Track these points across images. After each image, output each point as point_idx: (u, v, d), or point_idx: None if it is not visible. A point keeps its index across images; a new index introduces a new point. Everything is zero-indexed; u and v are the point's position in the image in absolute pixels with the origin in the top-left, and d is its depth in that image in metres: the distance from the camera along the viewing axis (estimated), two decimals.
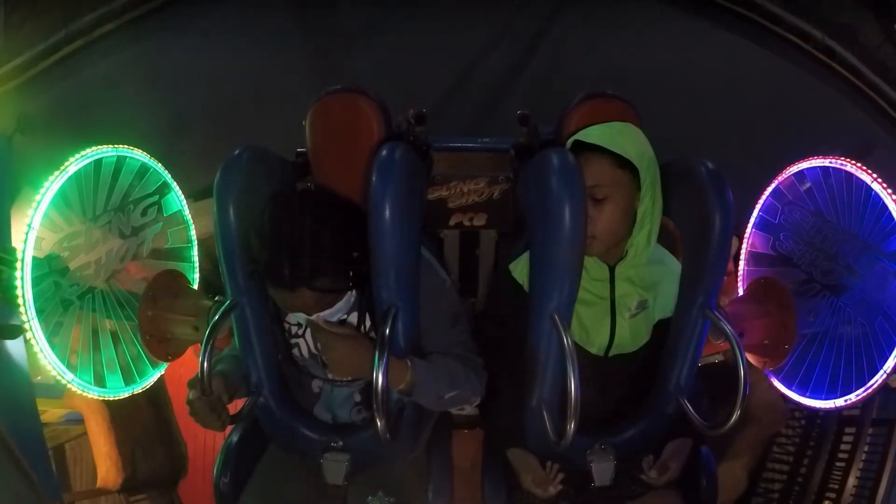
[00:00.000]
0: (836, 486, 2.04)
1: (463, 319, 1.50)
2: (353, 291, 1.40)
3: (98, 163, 1.59)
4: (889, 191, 1.45)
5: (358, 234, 1.34)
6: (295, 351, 1.52)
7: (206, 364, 1.31)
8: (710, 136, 2.66)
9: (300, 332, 1.50)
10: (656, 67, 2.96)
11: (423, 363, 1.37)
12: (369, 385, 1.47)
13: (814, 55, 2.83)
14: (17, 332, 1.38)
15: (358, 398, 1.54)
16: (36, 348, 1.44)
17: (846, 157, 1.55)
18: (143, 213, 1.79)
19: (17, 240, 1.43)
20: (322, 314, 1.36)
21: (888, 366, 1.45)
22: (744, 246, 1.91)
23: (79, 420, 2.42)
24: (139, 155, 1.74)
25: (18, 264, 1.39)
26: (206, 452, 2.66)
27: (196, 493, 2.65)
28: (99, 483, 2.48)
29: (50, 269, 1.48)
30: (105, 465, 2.49)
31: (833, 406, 1.57)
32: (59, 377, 1.49)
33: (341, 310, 1.41)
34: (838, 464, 2.06)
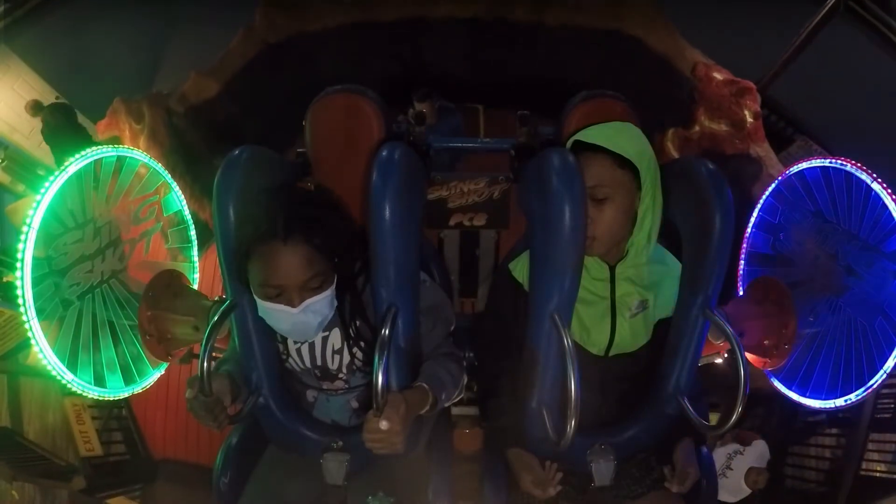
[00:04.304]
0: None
1: (446, 315, 1.50)
2: (335, 301, 1.36)
3: (98, 163, 1.59)
4: (889, 191, 1.45)
5: (349, 242, 1.35)
6: (287, 365, 1.52)
7: (205, 364, 1.31)
8: None
9: (285, 350, 1.49)
10: None
11: (432, 379, 1.36)
12: (367, 390, 1.47)
13: None
14: None
15: (355, 404, 1.54)
16: (36, 348, 1.44)
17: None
18: (143, 213, 1.79)
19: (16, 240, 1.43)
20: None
21: (888, 366, 1.45)
22: (744, 246, 1.91)
23: None
24: (139, 155, 1.74)
25: (18, 264, 1.39)
26: None
27: (147, 399, 2.50)
28: (29, 360, 2.29)
29: (50, 269, 1.48)
30: None
31: (833, 406, 1.57)
32: (59, 377, 1.49)
33: (323, 311, 1.33)
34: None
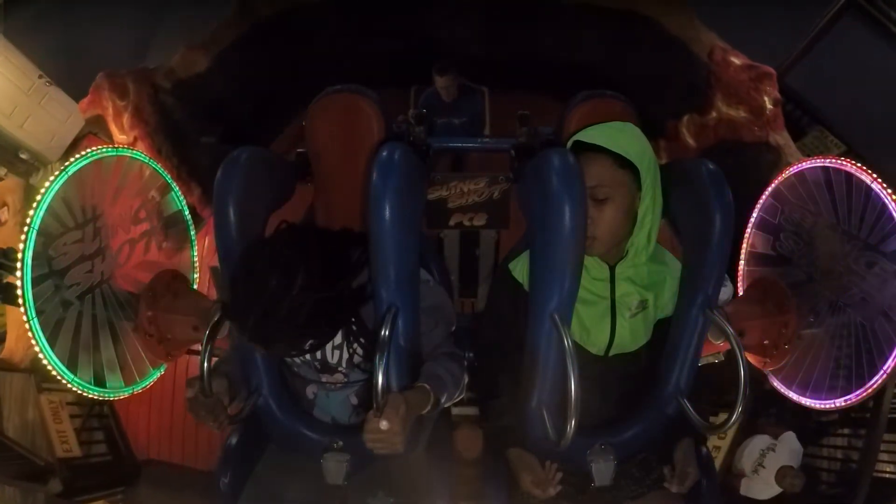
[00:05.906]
0: None
1: (447, 315, 1.50)
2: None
3: (98, 163, 1.59)
4: (889, 191, 1.45)
5: (341, 271, 1.30)
6: (286, 358, 1.52)
7: (206, 364, 1.31)
8: None
9: None
10: None
11: (433, 379, 1.35)
12: (366, 386, 1.47)
13: None
14: None
15: (354, 400, 1.54)
16: (36, 348, 1.44)
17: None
18: (143, 213, 1.79)
19: (17, 240, 1.43)
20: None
21: (888, 366, 1.45)
22: (744, 246, 1.91)
23: None
24: (139, 155, 1.75)
25: (18, 265, 1.39)
26: None
27: (131, 396, 2.41)
28: (3, 353, 2.11)
29: (50, 270, 1.48)
30: (15, 332, 2.03)
31: (833, 406, 1.57)
32: (59, 377, 1.49)
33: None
34: None
